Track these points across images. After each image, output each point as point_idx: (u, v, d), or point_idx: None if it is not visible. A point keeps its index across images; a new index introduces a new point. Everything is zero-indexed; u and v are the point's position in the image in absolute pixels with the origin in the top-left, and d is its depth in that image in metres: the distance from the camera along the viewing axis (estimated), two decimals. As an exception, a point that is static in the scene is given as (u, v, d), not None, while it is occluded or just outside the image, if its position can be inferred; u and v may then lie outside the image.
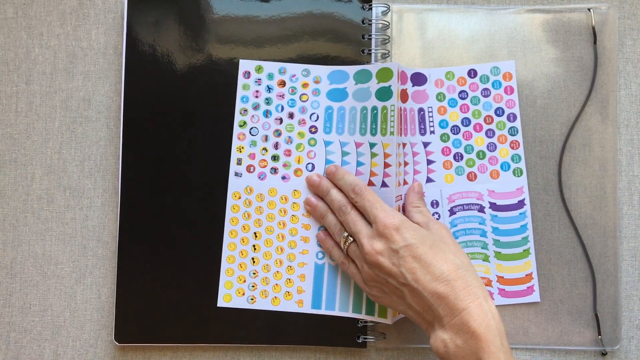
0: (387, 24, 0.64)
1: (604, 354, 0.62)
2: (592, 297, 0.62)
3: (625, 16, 0.65)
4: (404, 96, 0.61)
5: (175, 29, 0.63)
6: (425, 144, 0.63)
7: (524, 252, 0.62)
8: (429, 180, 0.63)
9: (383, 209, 0.55)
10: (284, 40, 0.63)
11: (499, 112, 0.63)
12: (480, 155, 0.63)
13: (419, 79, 0.63)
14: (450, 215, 0.63)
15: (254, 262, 0.61)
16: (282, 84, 0.62)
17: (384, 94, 0.59)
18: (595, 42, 0.64)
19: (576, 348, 0.62)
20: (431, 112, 0.63)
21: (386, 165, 0.59)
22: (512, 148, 0.63)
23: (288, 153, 0.62)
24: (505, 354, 0.49)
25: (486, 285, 0.62)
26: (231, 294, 0.61)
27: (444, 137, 0.63)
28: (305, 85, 0.62)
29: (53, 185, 0.64)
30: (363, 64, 0.63)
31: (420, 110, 0.63)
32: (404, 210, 0.60)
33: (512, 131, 0.63)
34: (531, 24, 0.64)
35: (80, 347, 0.63)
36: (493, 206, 0.63)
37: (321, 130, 0.61)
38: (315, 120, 0.61)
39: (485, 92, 0.63)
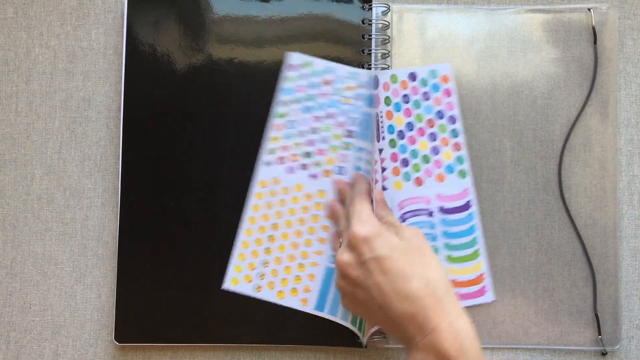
0: (387, 24, 0.64)
1: (604, 353, 0.62)
2: (592, 297, 0.62)
3: (625, 16, 0.65)
4: (376, 101, 0.62)
5: (175, 29, 0.63)
6: (380, 151, 0.62)
7: (474, 253, 0.62)
8: (383, 188, 0.62)
9: (359, 218, 0.53)
10: (284, 40, 0.63)
11: (440, 115, 0.63)
12: (425, 159, 0.63)
13: (374, 82, 0.62)
14: (401, 223, 0.61)
15: (267, 252, 0.61)
16: (327, 83, 0.61)
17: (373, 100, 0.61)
18: (595, 42, 0.64)
19: (576, 348, 0.62)
20: (382, 117, 0.63)
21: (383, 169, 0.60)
22: (455, 150, 0.63)
23: (321, 152, 0.61)
24: None
25: None
26: (239, 278, 0.61)
27: (392, 143, 0.63)
28: (349, 88, 0.61)
29: (53, 185, 0.64)
30: (363, 64, 0.63)
31: (376, 115, 0.62)
32: None
33: (454, 133, 0.63)
34: (531, 24, 0.64)
35: (80, 347, 0.63)
36: (441, 210, 0.62)
37: (357, 136, 0.61)
38: (352, 125, 0.61)
39: (425, 96, 0.63)
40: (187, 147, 0.63)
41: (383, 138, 0.62)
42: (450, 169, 0.63)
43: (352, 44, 0.63)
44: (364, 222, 0.52)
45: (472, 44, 0.64)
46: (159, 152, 0.63)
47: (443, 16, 0.65)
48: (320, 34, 0.63)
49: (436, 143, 0.63)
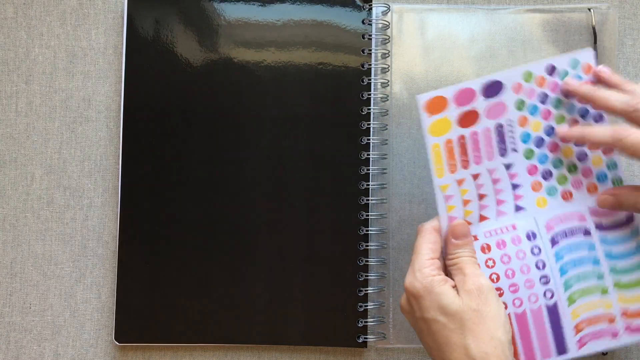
0: (387, 24, 0.64)
1: (604, 353, 0.62)
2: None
3: (625, 16, 0.65)
4: (469, 118, 0.54)
5: (176, 29, 0.63)
6: (507, 166, 0.54)
7: None
8: (518, 208, 0.54)
9: (413, 267, 0.50)
10: (285, 41, 0.63)
11: (583, 112, 0.54)
12: (572, 168, 0.54)
13: (492, 88, 0.54)
14: (552, 246, 0.53)
15: None
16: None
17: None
18: (595, 42, 0.64)
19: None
20: (511, 126, 0.54)
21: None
22: (605, 154, 0.54)
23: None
24: None
25: (609, 322, 0.52)
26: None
27: (528, 154, 0.54)
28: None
29: (53, 185, 0.64)
30: (363, 64, 0.63)
31: (498, 126, 0.54)
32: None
33: None
34: (531, 24, 0.65)
35: (80, 347, 0.63)
36: (599, 227, 0.53)
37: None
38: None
39: (566, 92, 0.54)
40: (187, 147, 0.63)
41: (514, 150, 0.54)
42: (602, 177, 0.54)
43: (352, 44, 0.63)
44: (415, 273, 0.49)
45: (472, 44, 0.64)
46: (158, 152, 0.63)
47: (443, 16, 0.65)
48: (320, 34, 0.63)
49: (582, 148, 0.54)
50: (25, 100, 0.65)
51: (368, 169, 0.63)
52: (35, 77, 0.65)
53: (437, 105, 0.53)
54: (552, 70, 0.54)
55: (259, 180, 0.63)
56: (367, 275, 0.62)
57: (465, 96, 0.53)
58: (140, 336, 0.62)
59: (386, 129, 0.64)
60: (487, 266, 0.52)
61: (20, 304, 0.64)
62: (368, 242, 0.62)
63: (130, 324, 0.62)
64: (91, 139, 0.65)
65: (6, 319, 0.64)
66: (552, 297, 0.52)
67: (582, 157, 0.54)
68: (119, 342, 0.62)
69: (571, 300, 0.52)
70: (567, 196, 0.54)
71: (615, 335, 0.52)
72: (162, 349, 0.63)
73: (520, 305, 0.52)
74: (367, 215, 0.62)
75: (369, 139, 0.63)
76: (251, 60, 0.63)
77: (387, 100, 0.64)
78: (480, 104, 0.53)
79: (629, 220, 0.53)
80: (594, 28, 0.64)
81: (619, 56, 0.65)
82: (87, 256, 0.64)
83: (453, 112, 0.53)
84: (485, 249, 0.53)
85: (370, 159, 0.63)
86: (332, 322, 0.61)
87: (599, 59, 0.64)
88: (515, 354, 0.52)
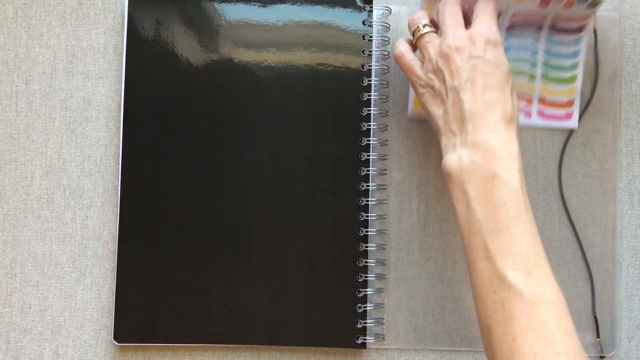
0: (388, 25, 0.64)
1: (602, 357, 0.62)
2: (591, 300, 0.62)
3: (625, 16, 0.65)
4: None
5: (176, 29, 0.63)
6: None
7: (571, 77, 0.62)
8: None
9: (487, 22, 0.53)
10: (285, 41, 0.63)
11: None
12: None
13: None
14: (508, 29, 0.60)
15: None
16: None
17: None
18: (595, 43, 0.64)
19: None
20: None
21: None
22: None
23: None
24: (520, 175, 0.49)
25: (526, 103, 0.62)
26: None
27: None
28: None
29: (53, 185, 0.64)
30: (364, 65, 0.63)
31: None
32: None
33: None
34: (531, 24, 0.65)
35: (80, 347, 0.63)
36: (552, 27, 0.60)
37: None
38: None
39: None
40: (187, 147, 0.63)
41: None
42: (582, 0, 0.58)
43: (353, 45, 0.63)
44: (491, 26, 0.53)
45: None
46: (158, 152, 0.63)
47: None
48: (321, 34, 0.63)
49: None
50: (25, 100, 0.65)
51: (368, 170, 0.63)
52: (35, 77, 0.65)
53: None
54: None
55: (259, 181, 0.63)
56: (367, 277, 0.62)
57: None
58: (140, 336, 0.62)
59: (386, 130, 0.64)
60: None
61: (20, 304, 0.64)
62: (367, 243, 0.62)
63: (130, 324, 0.62)
64: (91, 139, 0.65)
65: (6, 319, 0.64)
66: None
67: None
68: (117, 342, 0.62)
69: None
70: (544, 4, 0.58)
71: (528, 114, 0.62)
72: (162, 349, 0.63)
73: None
74: (367, 216, 0.62)
75: (369, 140, 0.63)
76: (252, 61, 0.63)
77: (387, 101, 0.64)
78: None
79: (580, 30, 0.61)
80: (594, 28, 0.64)
81: (619, 56, 0.65)
82: (87, 256, 0.64)
83: None
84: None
85: (370, 160, 0.63)
86: (332, 322, 0.61)
87: (599, 59, 0.64)
88: None
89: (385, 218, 0.63)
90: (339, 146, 0.63)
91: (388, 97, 0.64)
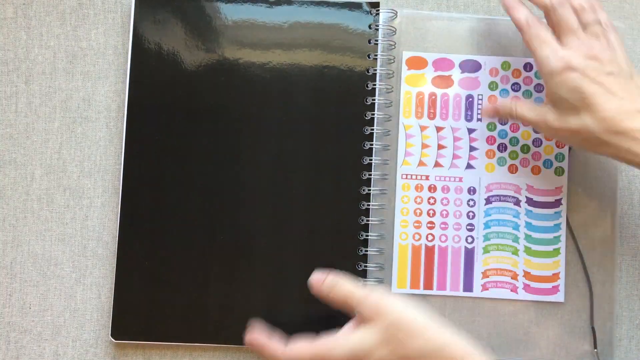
0: (394, 29, 0.64)
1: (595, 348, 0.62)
2: (590, 304, 0.62)
3: (626, 16, 0.65)
4: (443, 82, 0.63)
5: (181, 30, 0.63)
6: (470, 130, 0.63)
7: (554, 251, 0.62)
8: (469, 166, 0.63)
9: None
10: (291, 43, 0.63)
11: None
12: (525, 149, 0.63)
13: (470, 65, 0.63)
14: (485, 204, 0.62)
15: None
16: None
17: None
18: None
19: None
20: (481, 99, 0.63)
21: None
22: (558, 147, 0.63)
23: None
24: None
25: (512, 278, 0.62)
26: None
27: (490, 126, 0.63)
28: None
29: (53, 185, 0.64)
30: (368, 69, 0.63)
31: (469, 97, 0.63)
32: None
33: None
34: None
35: (80, 347, 0.63)
36: (530, 201, 0.62)
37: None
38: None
39: (539, 88, 0.63)
40: (189, 148, 0.63)
41: (479, 120, 0.63)
42: (548, 164, 0.63)
43: (358, 49, 0.63)
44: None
45: (476, 50, 0.64)
46: (161, 153, 0.63)
47: (448, 24, 0.64)
48: (327, 38, 0.63)
49: (540, 135, 0.63)
50: (25, 101, 0.65)
51: (370, 174, 0.63)
52: (35, 77, 0.65)
53: (417, 63, 0.64)
54: (529, 68, 0.64)
55: (261, 182, 0.63)
56: (366, 280, 0.62)
57: (444, 64, 0.63)
58: (140, 336, 0.62)
59: (389, 134, 0.63)
60: (429, 202, 0.63)
61: (20, 304, 0.64)
62: (367, 247, 0.62)
63: (129, 323, 0.62)
64: (91, 139, 0.65)
65: (6, 319, 0.64)
66: (472, 242, 0.62)
67: (537, 143, 0.63)
68: (114, 339, 0.62)
69: (486, 250, 0.62)
70: (512, 169, 0.63)
71: (514, 290, 0.62)
72: (162, 349, 0.63)
73: (445, 241, 0.63)
74: (368, 221, 0.62)
75: (371, 144, 0.63)
76: (256, 62, 0.63)
77: (391, 106, 0.64)
78: (456, 74, 0.64)
79: (557, 204, 0.62)
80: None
81: (619, 56, 0.65)
82: (87, 256, 0.64)
83: (430, 73, 0.63)
84: (432, 188, 0.63)
85: (373, 164, 0.63)
86: (331, 323, 0.61)
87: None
88: (431, 281, 0.62)
89: (384, 223, 0.63)
90: (341, 149, 0.63)
91: (392, 101, 0.64)
